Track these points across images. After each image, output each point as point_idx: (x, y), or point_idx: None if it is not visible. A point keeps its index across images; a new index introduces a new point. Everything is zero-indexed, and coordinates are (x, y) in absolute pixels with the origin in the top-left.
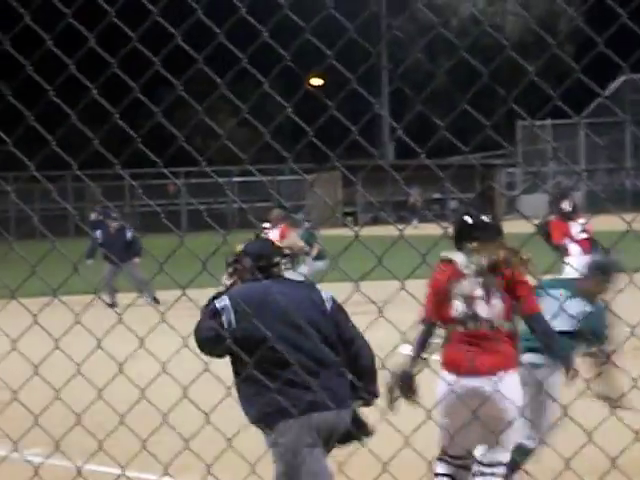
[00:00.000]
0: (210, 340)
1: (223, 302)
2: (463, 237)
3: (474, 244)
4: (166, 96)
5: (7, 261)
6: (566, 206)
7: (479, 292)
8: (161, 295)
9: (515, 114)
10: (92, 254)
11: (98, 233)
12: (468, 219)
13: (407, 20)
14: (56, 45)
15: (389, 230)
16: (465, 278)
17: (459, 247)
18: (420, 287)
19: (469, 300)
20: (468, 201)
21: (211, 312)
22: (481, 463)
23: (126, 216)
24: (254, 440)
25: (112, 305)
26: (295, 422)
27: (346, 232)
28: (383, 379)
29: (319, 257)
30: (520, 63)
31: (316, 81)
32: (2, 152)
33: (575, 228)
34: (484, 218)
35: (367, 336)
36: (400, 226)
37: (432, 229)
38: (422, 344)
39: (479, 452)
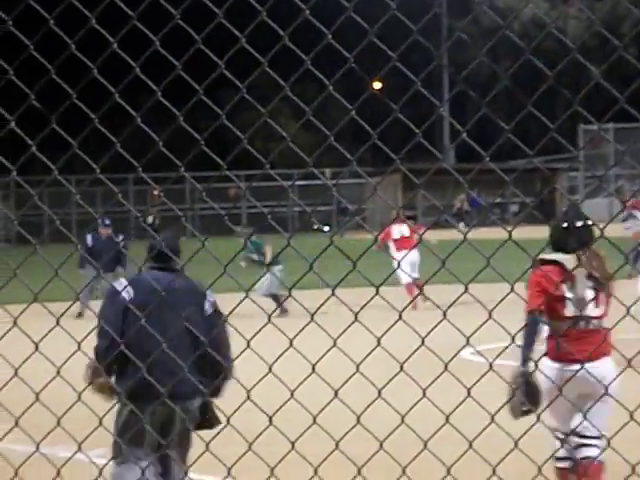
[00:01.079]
0: (105, 348)
1: (123, 283)
2: (563, 241)
3: (577, 249)
4: (225, 99)
5: (71, 262)
6: None
7: (589, 295)
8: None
9: (577, 118)
10: (84, 264)
11: (89, 239)
12: (567, 225)
13: (468, 22)
14: (120, 47)
15: (452, 234)
16: (574, 280)
17: (558, 250)
18: (482, 291)
19: (581, 302)
20: (532, 205)
21: (110, 292)
22: (584, 435)
23: (187, 219)
24: (318, 443)
25: (79, 315)
26: (151, 406)
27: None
28: (442, 381)
29: (273, 263)
30: (582, 67)
31: (375, 85)
32: (66, 155)
33: None
34: (581, 223)
35: (429, 340)
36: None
37: (491, 233)
38: (533, 337)
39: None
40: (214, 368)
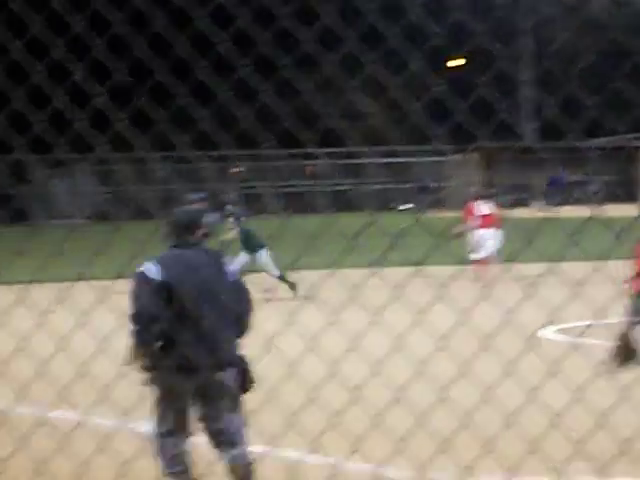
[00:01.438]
0: (141, 332)
1: (148, 264)
2: None
3: None
4: (304, 79)
5: (156, 240)
6: None
7: None
8: (305, 274)
9: None
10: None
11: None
12: None
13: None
14: (207, 25)
15: (531, 213)
16: None
17: None
18: (570, 269)
19: None
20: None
21: (140, 276)
22: None
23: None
24: (401, 417)
25: None
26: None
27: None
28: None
29: (254, 247)
30: None
31: (455, 62)
32: (151, 132)
33: None
34: None
35: (513, 316)
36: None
37: (573, 211)
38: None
39: None
40: (244, 326)
